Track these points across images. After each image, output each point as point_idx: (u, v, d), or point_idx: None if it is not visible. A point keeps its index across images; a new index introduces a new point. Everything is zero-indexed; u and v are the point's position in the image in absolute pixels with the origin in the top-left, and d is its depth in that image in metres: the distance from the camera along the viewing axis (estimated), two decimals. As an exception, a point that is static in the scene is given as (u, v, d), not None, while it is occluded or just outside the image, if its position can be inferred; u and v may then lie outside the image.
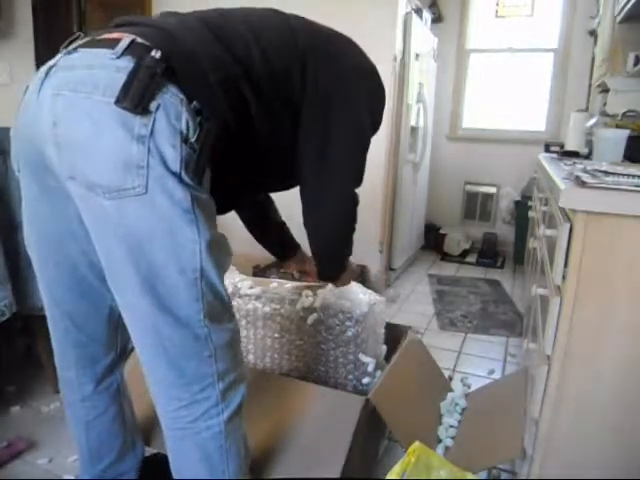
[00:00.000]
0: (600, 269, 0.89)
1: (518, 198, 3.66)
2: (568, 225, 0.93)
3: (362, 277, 2.75)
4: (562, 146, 2.24)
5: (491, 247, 3.74)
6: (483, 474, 1.35)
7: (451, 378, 1.85)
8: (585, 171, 1.17)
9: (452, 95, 3.96)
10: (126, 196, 0.72)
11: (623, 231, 0.87)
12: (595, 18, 3.16)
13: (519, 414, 1.23)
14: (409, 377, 1.37)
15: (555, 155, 2.12)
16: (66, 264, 0.91)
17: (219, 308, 0.82)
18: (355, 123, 0.98)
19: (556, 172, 1.26)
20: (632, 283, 0.88)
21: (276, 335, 1.35)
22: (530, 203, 2.46)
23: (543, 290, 1.15)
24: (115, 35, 0.78)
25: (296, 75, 0.90)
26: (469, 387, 1.71)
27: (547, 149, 2.36)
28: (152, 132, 0.71)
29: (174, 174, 0.73)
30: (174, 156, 0.73)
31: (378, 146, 2.57)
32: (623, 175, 1.09)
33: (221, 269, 0.81)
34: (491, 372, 1.96)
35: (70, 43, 0.82)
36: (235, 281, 1.39)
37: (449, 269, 3.52)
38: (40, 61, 2.60)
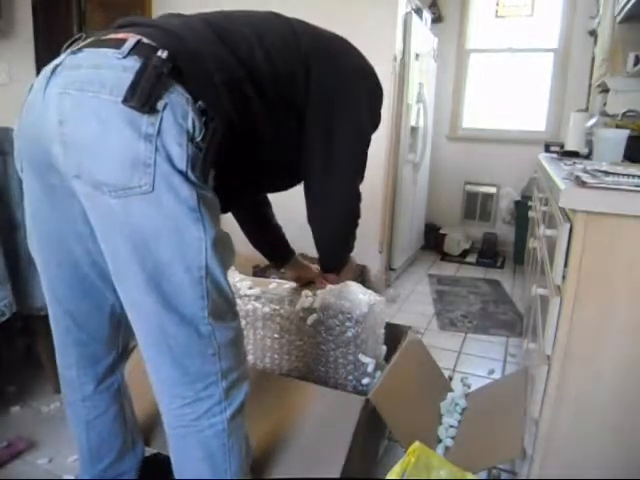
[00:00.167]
0: (600, 269, 0.89)
1: (518, 198, 3.67)
2: (568, 225, 0.93)
3: (362, 277, 2.75)
4: (562, 146, 2.24)
5: (491, 247, 3.74)
6: (483, 474, 1.35)
7: (451, 378, 1.85)
8: (585, 171, 1.17)
9: (452, 95, 3.96)
10: (132, 194, 0.72)
11: (623, 231, 0.87)
12: (595, 18, 3.16)
13: (519, 414, 1.23)
14: (409, 377, 1.37)
15: (555, 155, 2.12)
16: (68, 263, 0.91)
17: (223, 306, 0.83)
18: (357, 122, 1.01)
19: (556, 172, 1.26)
20: (632, 283, 0.88)
21: (276, 335, 1.35)
22: (530, 203, 2.46)
23: (543, 290, 1.15)
24: (121, 35, 0.78)
25: (300, 78, 0.92)
26: (469, 387, 1.71)
27: (547, 149, 2.36)
28: (159, 131, 0.72)
29: (180, 172, 0.74)
30: (181, 154, 0.73)
31: (378, 146, 2.57)
32: (623, 175, 1.09)
33: (225, 267, 0.82)
34: (491, 372, 1.96)
35: (72, 43, 0.82)
36: (235, 281, 1.39)
37: (449, 269, 3.52)
38: (40, 61, 2.61)
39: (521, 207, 3.43)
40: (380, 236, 2.81)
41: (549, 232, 1.16)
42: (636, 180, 1.01)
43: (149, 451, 1.19)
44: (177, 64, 0.75)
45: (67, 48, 0.82)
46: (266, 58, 0.87)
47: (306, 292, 1.33)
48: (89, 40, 0.81)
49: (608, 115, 2.35)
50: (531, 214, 2.31)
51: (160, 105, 0.72)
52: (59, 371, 1.03)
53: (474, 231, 3.95)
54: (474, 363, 2.07)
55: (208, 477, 0.88)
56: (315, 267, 1.42)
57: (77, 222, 0.87)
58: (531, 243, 2.01)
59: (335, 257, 1.21)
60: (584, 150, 2.05)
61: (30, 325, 1.60)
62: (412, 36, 2.73)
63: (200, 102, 0.76)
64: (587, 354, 0.93)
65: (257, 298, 1.35)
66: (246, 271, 1.78)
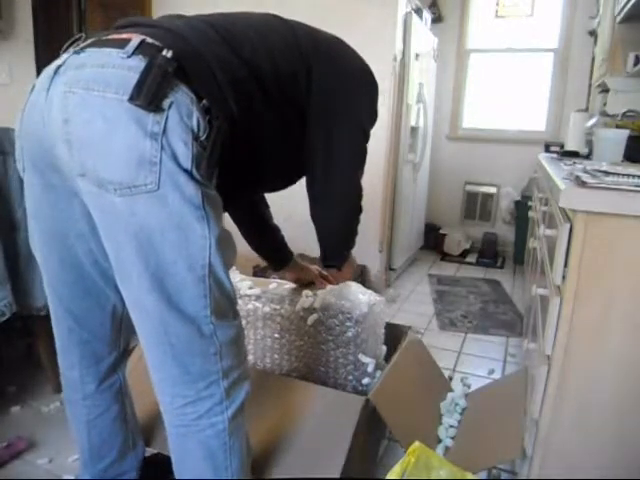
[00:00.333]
0: (600, 269, 0.89)
1: (518, 198, 3.67)
2: (568, 225, 0.93)
3: (362, 277, 2.75)
4: (562, 146, 2.24)
5: (491, 247, 3.74)
6: (483, 474, 1.35)
7: (451, 378, 1.85)
8: (585, 171, 1.17)
9: (452, 95, 3.96)
10: (138, 193, 0.72)
11: (623, 231, 0.87)
12: (595, 18, 3.16)
13: (519, 414, 1.23)
14: (409, 377, 1.37)
15: (555, 155, 2.12)
16: (70, 262, 0.91)
17: (225, 305, 0.83)
18: (357, 120, 1.03)
19: (556, 172, 1.26)
20: (632, 283, 0.88)
21: (276, 335, 1.35)
22: (530, 203, 2.46)
23: (543, 290, 1.15)
24: (124, 35, 0.78)
25: (301, 78, 0.93)
26: (469, 387, 1.71)
27: (547, 149, 2.36)
28: (165, 129, 0.72)
29: (185, 171, 0.74)
30: (186, 153, 0.74)
31: (378, 146, 2.57)
32: (623, 175, 1.09)
33: (227, 265, 0.82)
34: (491, 372, 1.96)
35: (72, 44, 0.82)
36: (235, 281, 1.39)
37: (449, 269, 3.52)
38: (40, 61, 2.61)
39: (521, 207, 3.43)
40: (380, 236, 2.81)
41: (549, 232, 1.16)
42: (636, 180, 1.01)
43: (149, 451, 1.19)
44: (182, 64, 0.76)
45: (67, 48, 0.82)
46: (269, 58, 0.88)
47: (306, 292, 1.33)
48: (90, 40, 0.81)
49: (608, 115, 2.35)
50: (531, 214, 2.31)
51: (166, 104, 0.72)
52: (61, 372, 1.03)
53: (474, 231, 3.95)
54: (474, 363, 2.07)
55: (209, 477, 0.88)
56: (315, 268, 1.43)
57: (78, 222, 0.87)
58: (531, 243, 2.01)
59: (337, 252, 1.22)
60: (584, 150, 2.06)
61: (30, 325, 1.60)
62: (412, 36, 2.73)
63: (204, 101, 0.77)
64: (587, 354, 0.93)
65: (257, 298, 1.35)
66: (246, 271, 1.78)
